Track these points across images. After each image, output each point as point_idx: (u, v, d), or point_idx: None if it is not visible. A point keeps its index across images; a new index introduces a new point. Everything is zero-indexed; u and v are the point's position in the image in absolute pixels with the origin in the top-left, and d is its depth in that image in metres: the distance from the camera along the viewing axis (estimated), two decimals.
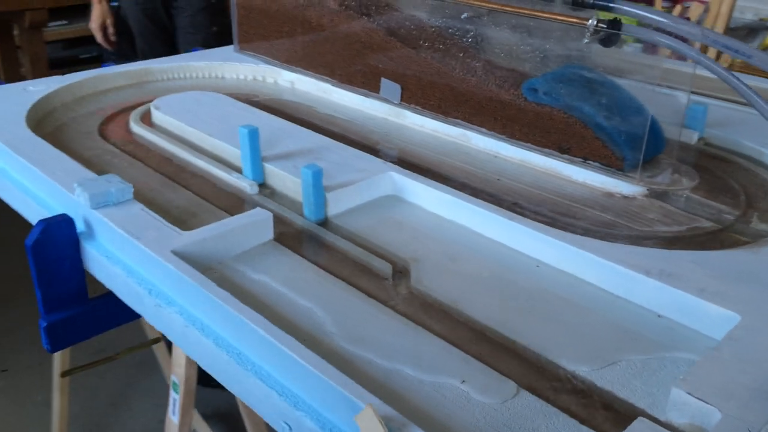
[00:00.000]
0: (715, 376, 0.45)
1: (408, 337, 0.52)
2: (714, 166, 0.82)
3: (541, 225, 0.64)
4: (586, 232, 0.67)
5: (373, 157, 0.77)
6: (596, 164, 0.75)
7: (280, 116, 0.91)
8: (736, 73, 0.69)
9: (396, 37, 0.89)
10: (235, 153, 0.78)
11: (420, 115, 0.91)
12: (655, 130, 0.75)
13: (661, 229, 0.68)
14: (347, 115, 0.97)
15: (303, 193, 0.68)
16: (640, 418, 0.41)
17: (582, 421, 0.45)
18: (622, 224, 0.69)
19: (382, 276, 0.61)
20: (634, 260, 0.58)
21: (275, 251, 0.63)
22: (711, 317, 0.52)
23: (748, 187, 0.78)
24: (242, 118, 0.87)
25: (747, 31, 2.21)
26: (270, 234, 0.65)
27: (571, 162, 0.77)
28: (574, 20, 0.75)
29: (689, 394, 0.43)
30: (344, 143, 0.81)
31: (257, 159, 0.74)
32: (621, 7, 0.75)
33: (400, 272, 0.61)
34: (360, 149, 0.81)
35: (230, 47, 1.19)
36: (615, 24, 0.73)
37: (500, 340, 0.53)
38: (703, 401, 0.43)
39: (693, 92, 0.77)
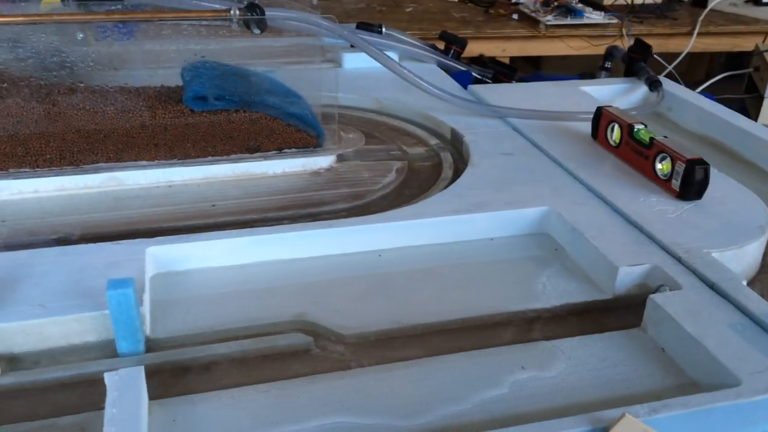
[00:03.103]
0: (612, 245, 0.59)
1: (418, 378, 0.47)
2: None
3: (354, 219, 0.62)
4: (351, 211, 0.68)
5: (99, 243, 0.56)
6: (292, 150, 0.73)
7: None
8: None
9: None
10: None
11: (28, 179, 0.67)
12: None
13: (385, 181, 0.74)
14: None
15: (116, 324, 0.47)
16: (650, 297, 0.52)
17: (601, 330, 0.53)
18: (360, 191, 0.72)
19: (304, 348, 0.50)
20: (441, 209, 0.65)
21: (188, 408, 0.44)
22: (535, 218, 0.65)
23: (367, 125, 0.89)
24: None
25: None
26: (145, 396, 0.43)
27: (264, 158, 0.73)
28: (212, 14, 0.68)
29: (629, 265, 0.56)
30: None
31: None
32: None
33: (310, 332, 0.52)
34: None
35: None
36: (253, 7, 0.70)
37: (458, 325, 0.53)
38: (637, 264, 0.56)
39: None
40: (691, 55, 1.99)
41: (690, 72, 2.36)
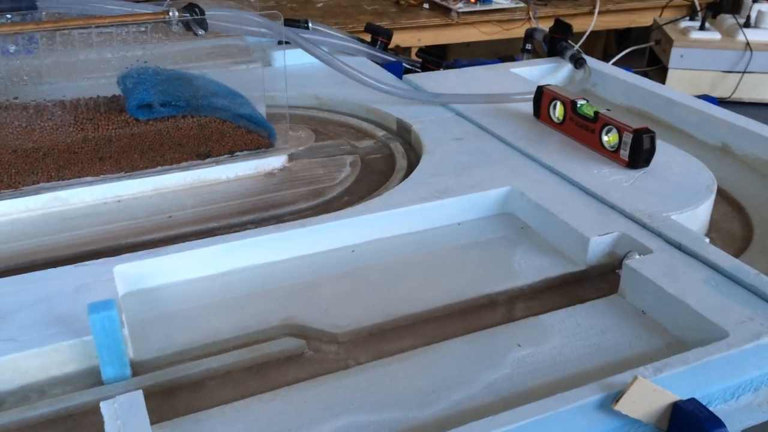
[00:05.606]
0: (579, 217, 0.60)
1: (420, 367, 0.47)
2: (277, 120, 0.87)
3: (324, 216, 0.61)
4: (315, 209, 0.67)
5: (62, 267, 0.52)
6: (245, 152, 0.71)
7: None
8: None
9: None
10: None
11: None
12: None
13: (342, 176, 0.73)
14: None
15: (100, 349, 0.44)
16: (625, 263, 0.54)
17: (582, 301, 0.54)
18: (318, 188, 0.71)
19: (297, 353, 0.49)
20: (409, 198, 0.64)
21: (193, 427, 0.41)
22: (499, 199, 0.66)
23: (311, 122, 0.88)
24: None
25: None
26: (146, 420, 0.41)
27: (216, 163, 0.70)
28: (150, 16, 0.65)
29: (599, 235, 0.58)
30: None
31: None
32: None
33: (300, 336, 0.50)
34: None
35: None
36: (192, 7, 0.67)
37: (447, 311, 0.54)
38: (606, 233, 0.58)
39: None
40: (588, 34, 2.08)
41: (588, 51, 2.47)
